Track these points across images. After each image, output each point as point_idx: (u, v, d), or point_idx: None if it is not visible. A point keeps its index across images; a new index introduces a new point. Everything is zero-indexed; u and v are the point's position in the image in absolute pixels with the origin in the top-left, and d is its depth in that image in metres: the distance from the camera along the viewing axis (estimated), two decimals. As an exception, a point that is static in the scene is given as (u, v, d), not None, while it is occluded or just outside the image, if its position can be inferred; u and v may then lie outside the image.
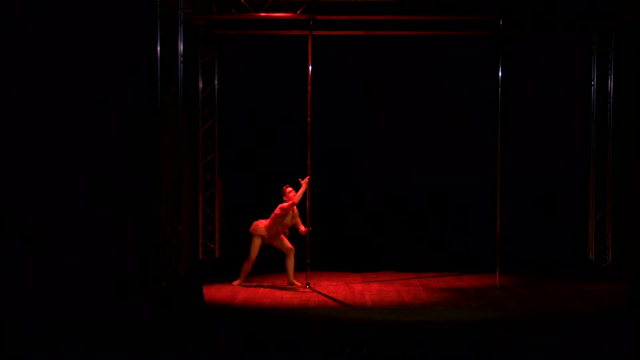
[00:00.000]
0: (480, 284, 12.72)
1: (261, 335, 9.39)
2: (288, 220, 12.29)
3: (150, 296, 10.08)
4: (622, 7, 12.56)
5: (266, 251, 12.44)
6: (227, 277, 12.90)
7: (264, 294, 11.92)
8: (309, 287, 12.31)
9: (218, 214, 13.95)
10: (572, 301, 11.43)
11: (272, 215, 12.28)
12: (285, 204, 12.21)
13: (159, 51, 10.30)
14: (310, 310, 10.79)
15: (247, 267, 12.37)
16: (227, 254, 13.96)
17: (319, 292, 12.04)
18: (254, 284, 12.50)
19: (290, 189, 12.32)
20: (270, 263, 12.76)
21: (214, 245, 13.96)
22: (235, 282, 12.41)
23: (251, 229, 12.38)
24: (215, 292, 11.87)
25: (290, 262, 12.35)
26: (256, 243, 12.32)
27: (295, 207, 12.24)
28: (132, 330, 9.36)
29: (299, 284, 12.39)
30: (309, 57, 12.31)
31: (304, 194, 12.24)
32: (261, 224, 12.35)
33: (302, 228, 12.26)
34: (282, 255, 12.45)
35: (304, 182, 12.20)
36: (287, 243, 12.36)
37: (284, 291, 12.08)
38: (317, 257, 13.38)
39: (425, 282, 12.99)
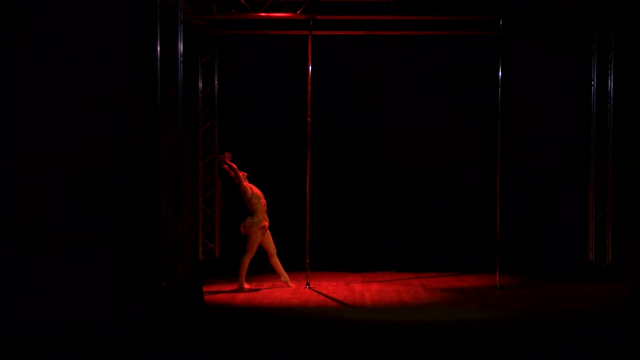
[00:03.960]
0: (480, 284, 12.72)
1: (261, 335, 9.39)
2: (255, 190, 12.20)
3: (150, 296, 10.08)
4: (622, 7, 12.56)
5: (263, 253, 12.38)
6: (227, 277, 12.90)
7: (264, 294, 11.92)
8: (309, 287, 12.31)
9: (218, 214, 13.95)
10: (572, 301, 11.43)
11: (248, 204, 12.19)
12: (242, 189, 12.19)
13: (159, 51, 10.30)
14: (310, 310, 10.79)
15: (247, 264, 12.17)
16: (227, 254, 13.96)
17: (319, 292, 12.04)
18: (254, 285, 12.49)
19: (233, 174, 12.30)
20: (268, 264, 12.73)
21: (214, 245, 13.96)
22: (238, 286, 12.24)
23: (244, 229, 12.17)
24: (215, 292, 11.86)
25: (276, 260, 12.27)
26: (257, 238, 12.18)
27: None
28: (133, 330, 9.36)
29: (293, 285, 12.34)
30: (309, 57, 12.31)
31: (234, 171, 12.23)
32: (251, 219, 12.23)
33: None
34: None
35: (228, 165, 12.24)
36: (272, 242, 12.31)
37: (283, 291, 12.07)
38: (317, 257, 13.39)
39: (425, 282, 12.99)
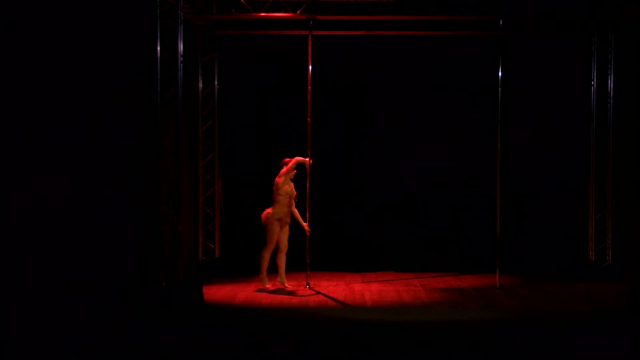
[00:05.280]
0: (480, 284, 12.72)
1: (261, 335, 9.39)
2: (289, 189, 12.11)
3: (150, 296, 10.08)
4: (622, 7, 12.56)
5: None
6: (227, 277, 12.90)
7: (264, 294, 11.91)
8: (309, 287, 12.30)
9: (218, 214, 13.95)
10: (572, 301, 11.43)
11: (274, 193, 12.10)
12: (282, 170, 12.10)
13: (159, 51, 10.30)
14: (310, 310, 10.79)
15: (267, 257, 12.08)
16: (227, 254, 13.96)
17: (319, 292, 12.04)
18: (253, 285, 12.49)
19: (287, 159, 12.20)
20: (269, 264, 12.74)
21: (214, 245, 13.95)
22: (268, 285, 12.13)
23: (264, 218, 12.07)
24: (215, 292, 11.86)
25: (283, 259, 12.21)
26: (275, 229, 12.07)
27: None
28: (133, 331, 9.37)
29: (289, 286, 12.30)
30: (309, 57, 12.31)
31: (298, 169, 12.10)
32: (271, 209, 12.16)
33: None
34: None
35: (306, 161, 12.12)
36: (286, 240, 12.27)
37: (283, 291, 12.07)
38: (317, 257, 13.39)
39: (425, 282, 12.99)
